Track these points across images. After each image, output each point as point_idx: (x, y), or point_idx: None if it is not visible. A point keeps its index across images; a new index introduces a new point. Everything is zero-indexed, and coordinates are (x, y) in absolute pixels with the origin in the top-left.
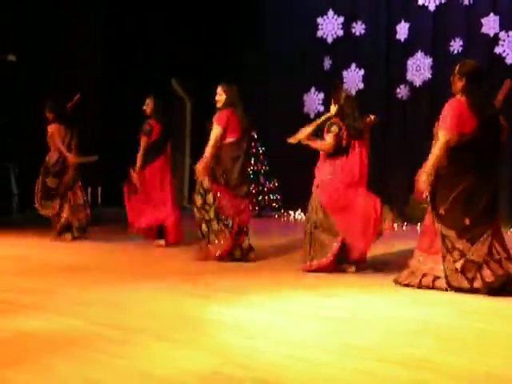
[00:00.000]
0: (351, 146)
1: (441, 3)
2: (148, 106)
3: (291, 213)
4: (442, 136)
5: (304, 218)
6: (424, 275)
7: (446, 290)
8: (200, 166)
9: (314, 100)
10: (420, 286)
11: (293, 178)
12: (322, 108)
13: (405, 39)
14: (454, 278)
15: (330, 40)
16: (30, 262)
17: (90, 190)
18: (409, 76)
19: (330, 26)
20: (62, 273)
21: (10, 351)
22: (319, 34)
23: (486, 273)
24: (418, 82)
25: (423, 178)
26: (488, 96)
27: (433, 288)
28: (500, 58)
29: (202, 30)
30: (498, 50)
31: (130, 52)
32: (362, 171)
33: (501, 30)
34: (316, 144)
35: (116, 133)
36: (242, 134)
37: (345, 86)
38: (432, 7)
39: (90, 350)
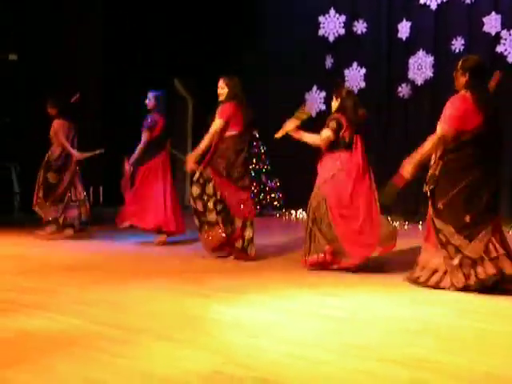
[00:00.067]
0: (354, 141)
1: (442, 2)
2: (150, 100)
3: (293, 212)
4: (439, 129)
5: (305, 216)
6: (435, 272)
7: (449, 288)
8: (191, 157)
9: (315, 99)
10: (427, 283)
11: (294, 177)
12: (323, 107)
13: (406, 38)
14: (455, 275)
15: (331, 39)
16: (31, 262)
17: (91, 189)
18: (410, 75)
19: (331, 24)
20: (63, 272)
21: (11, 351)
22: (321, 32)
23: (480, 270)
24: (419, 81)
25: (408, 169)
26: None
27: (438, 288)
28: (501, 57)
29: (201, 30)
30: (499, 48)
31: (130, 52)
32: (365, 167)
33: (502, 28)
34: (309, 138)
35: (116, 133)
36: (244, 127)
37: (346, 85)
38: (433, 6)
39: (91, 349)
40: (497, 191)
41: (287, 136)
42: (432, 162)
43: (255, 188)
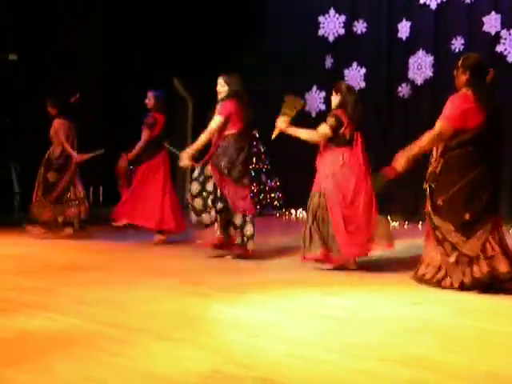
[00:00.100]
0: (354, 138)
1: (442, 2)
2: (150, 99)
3: (293, 211)
4: (438, 126)
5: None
6: (440, 268)
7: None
8: (186, 153)
9: (315, 99)
10: (432, 280)
11: (294, 177)
12: (323, 107)
13: (406, 38)
14: (452, 272)
15: (331, 39)
16: (31, 261)
17: (91, 189)
18: (410, 74)
19: (331, 24)
20: (63, 272)
21: (11, 350)
22: (320, 32)
23: (476, 268)
24: (419, 81)
25: (401, 162)
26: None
27: (439, 287)
28: (501, 57)
29: (202, 30)
30: (499, 48)
31: (130, 52)
32: (366, 164)
33: (502, 28)
34: (305, 134)
35: (116, 133)
36: (245, 125)
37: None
38: (433, 6)
39: (91, 349)
40: (497, 190)
41: (286, 136)
42: (433, 160)
43: (255, 188)
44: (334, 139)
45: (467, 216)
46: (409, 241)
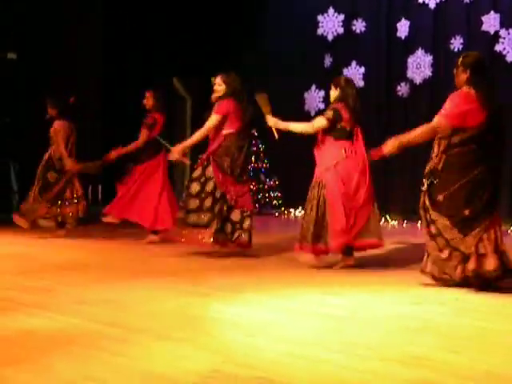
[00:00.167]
0: (354, 132)
1: (441, 1)
2: (148, 99)
3: (292, 210)
4: (435, 121)
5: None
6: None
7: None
8: (177, 148)
9: (314, 98)
10: (440, 278)
11: (293, 176)
12: (322, 106)
13: (405, 37)
14: (442, 267)
15: (330, 38)
16: (31, 261)
17: (90, 188)
18: (409, 74)
19: (330, 23)
20: (63, 271)
21: (11, 350)
22: (319, 31)
23: (468, 266)
24: (418, 80)
25: (389, 147)
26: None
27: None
28: (500, 56)
29: (202, 30)
30: (498, 47)
31: (130, 52)
32: (367, 158)
33: (501, 27)
34: (297, 127)
35: (116, 133)
36: (244, 124)
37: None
38: (432, 5)
39: (91, 348)
40: (497, 190)
41: (286, 135)
42: (434, 155)
43: (254, 187)
44: (333, 132)
45: (467, 212)
46: (408, 240)
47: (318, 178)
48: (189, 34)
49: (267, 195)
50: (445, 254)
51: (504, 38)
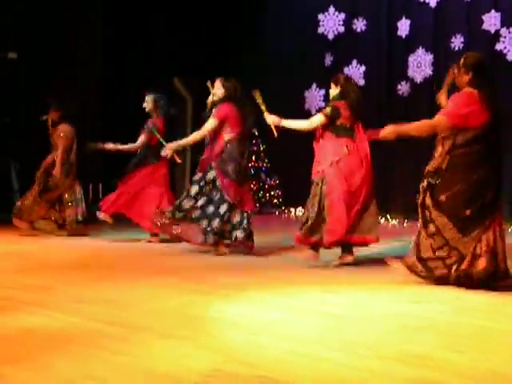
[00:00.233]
0: (356, 129)
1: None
2: (148, 103)
3: (292, 209)
4: (436, 119)
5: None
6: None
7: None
8: (172, 145)
9: (315, 96)
10: (450, 273)
11: (293, 175)
12: (323, 104)
13: (406, 36)
14: (435, 264)
15: (331, 36)
16: (31, 259)
17: (90, 186)
18: (410, 73)
19: (331, 22)
20: (63, 270)
21: (10, 348)
22: (320, 30)
23: (463, 266)
24: (419, 79)
25: (386, 132)
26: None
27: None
28: (501, 55)
29: (202, 30)
30: (498, 46)
31: (130, 52)
32: (368, 154)
33: (502, 26)
34: (296, 125)
35: (116, 133)
36: (243, 129)
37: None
38: (433, 4)
39: (91, 347)
40: (499, 190)
41: (286, 135)
42: (437, 154)
43: (254, 186)
44: (334, 129)
45: (468, 212)
46: (408, 238)
47: (321, 174)
48: (189, 33)
49: (267, 194)
50: (442, 252)
51: (504, 37)
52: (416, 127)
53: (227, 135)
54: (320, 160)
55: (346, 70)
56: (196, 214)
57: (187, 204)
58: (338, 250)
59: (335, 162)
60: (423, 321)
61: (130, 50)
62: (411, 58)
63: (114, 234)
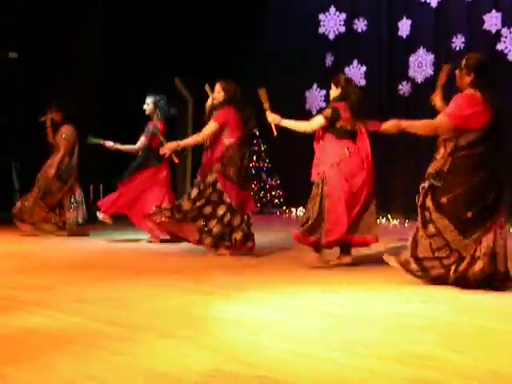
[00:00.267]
0: (358, 131)
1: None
2: (148, 105)
3: (293, 210)
4: (438, 120)
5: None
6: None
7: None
8: (171, 145)
9: (315, 96)
10: (456, 273)
11: (294, 175)
12: (324, 105)
13: (407, 36)
14: (430, 266)
15: (331, 37)
16: (32, 259)
17: (91, 187)
18: (411, 73)
19: (331, 22)
20: (63, 270)
21: (11, 348)
22: (321, 30)
23: (461, 267)
24: (419, 79)
25: (387, 126)
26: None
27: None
28: (502, 55)
29: (202, 30)
30: (499, 46)
31: (130, 52)
32: (370, 156)
33: (503, 26)
34: (297, 126)
35: (116, 133)
36: (244, 133)
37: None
38: (434, 4)
39: (92, 347)
40: (501, 190)
41: (286, 135)
42: (439, 156)
43: (255, 186)
44: (334, 131)
45: (469, 214)
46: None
47: (322, 175)
48: (189, 33)
49: (268, 194)
50: (441, 253)
51: (505, 37)
52: (418, 125)
53: (227, 140)
54: (320, 161)
55: (347, 70)
56: (194, 213)
57: (186, 205)
58: (337, 251)
59: (336, 163)
60: (423, 321)
61: (130, 49)
62: (412, 58)
63: (115, 234)
